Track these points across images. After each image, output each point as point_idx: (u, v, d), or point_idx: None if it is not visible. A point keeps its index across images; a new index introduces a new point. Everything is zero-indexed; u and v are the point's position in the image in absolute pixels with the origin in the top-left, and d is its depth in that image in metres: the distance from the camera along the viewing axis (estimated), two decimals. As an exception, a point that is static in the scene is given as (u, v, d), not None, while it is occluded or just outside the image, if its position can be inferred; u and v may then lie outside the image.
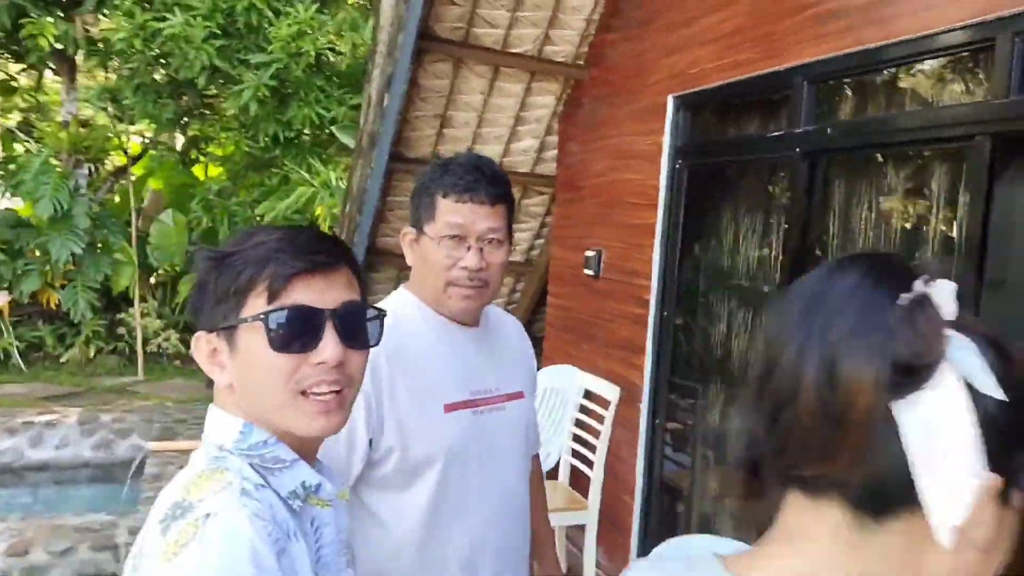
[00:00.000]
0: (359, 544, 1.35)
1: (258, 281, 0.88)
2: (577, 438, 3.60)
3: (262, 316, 0.87)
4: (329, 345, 0.88)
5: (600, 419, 3.41)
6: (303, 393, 0.89)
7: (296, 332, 0.88)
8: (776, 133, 2.71)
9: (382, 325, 0.97)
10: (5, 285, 8.17)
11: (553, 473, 3.71)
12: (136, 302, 8.29)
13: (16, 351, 8.15)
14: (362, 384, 1.11)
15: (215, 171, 9.78)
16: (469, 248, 1.41)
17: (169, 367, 8.54)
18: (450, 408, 1.42)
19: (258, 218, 7.64)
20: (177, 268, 8.69)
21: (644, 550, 3.36)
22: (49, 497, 5.86)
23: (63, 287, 8.28)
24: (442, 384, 1.44)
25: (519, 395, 1.56)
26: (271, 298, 0.88)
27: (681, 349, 3.25)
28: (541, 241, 4.69)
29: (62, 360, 8.38)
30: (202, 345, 0.93)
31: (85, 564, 4.00)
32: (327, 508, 0.95)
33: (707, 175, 3.19)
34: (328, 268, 0.91)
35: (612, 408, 3.30)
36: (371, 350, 1.07)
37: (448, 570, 1.42)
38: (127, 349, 8.49)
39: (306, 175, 6.93)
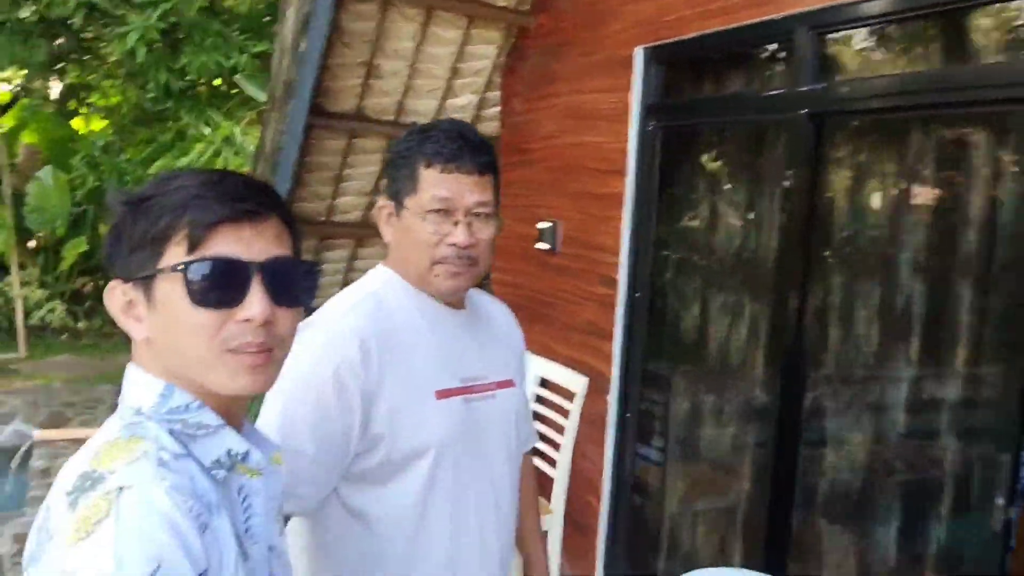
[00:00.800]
0: (334, 545, 1.31)
1: (177, 228, 0.82)
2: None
3: (181, 267, 0.81)
4: (255, 301, 0.83)
5: (561, 411, 3.07)
6: (226, 350, 0.83)
7: (219, 285, 0.82)
8: (775, 91, 2.36)
9: (316, 281, 0.91)
10: None
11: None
12: (14, 270, 7.45)
13: None
14: (354, 368, 1.23)
15: (99, 124, 8.86)
16: (457, 223, 1.30)
17: (55, 342, 7.75)
18: (442, 395, 1.33)
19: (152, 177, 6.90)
20: (60, 232, 7.82)
21: (611, 556, 3.07)
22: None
23: (-75, 254, 7.36)
24: (432, 370, 1.34)
25: (509, 383, 1.47)
26: (192, 247, 0.82)
27: (654, 334, 2.93)
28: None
29: (-72, 336, 7.49)
30: (117, 296, 0.86)
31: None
32: (257, 477, 0.89)
33: (685, 138, 2.83)
34: (256, 217, 0.84)
35: (579, 400, 2.96)
36: (359, 334, 1.20)
37: (435, 567, 1.34)
38: (6, 322, 7.65)
39: (205, 129, 6.25)
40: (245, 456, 0.88)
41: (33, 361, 7.25)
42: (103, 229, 8.60)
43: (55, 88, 8.86)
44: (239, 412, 0.91)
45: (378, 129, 3.85)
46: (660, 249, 2.89)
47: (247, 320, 0.83)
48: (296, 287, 0.88)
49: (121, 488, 0.73)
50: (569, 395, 3.06)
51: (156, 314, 0.84)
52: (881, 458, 2.21)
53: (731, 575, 1.82)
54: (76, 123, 8.80)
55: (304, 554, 1.35)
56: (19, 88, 8.83)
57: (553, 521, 3.01)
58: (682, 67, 2.83)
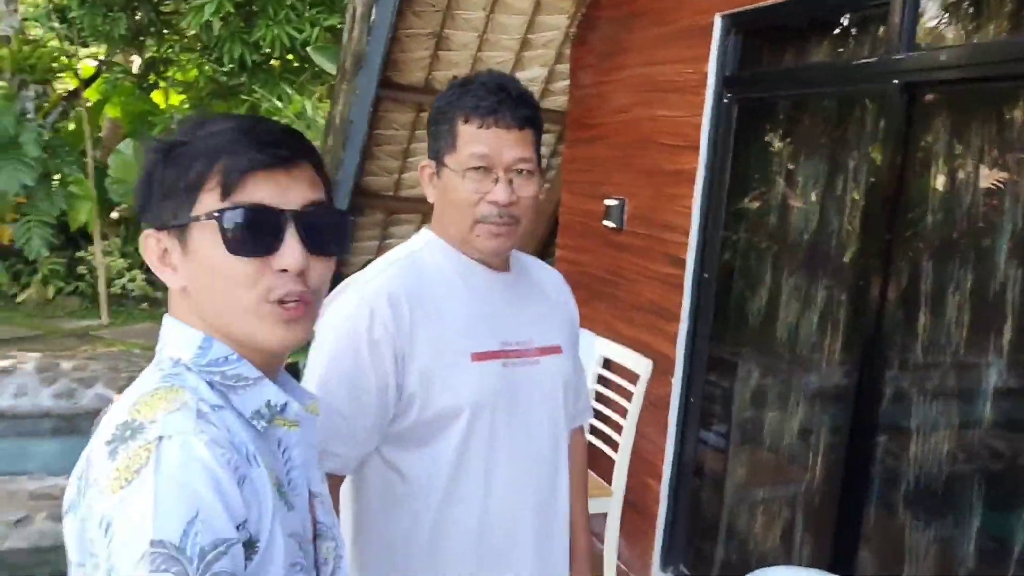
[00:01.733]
0: (380, 502, 1.30)
1: (211, 175, 0.80)
2: (596, 413, 3.19)
3: (216, 214, 0.80)
4: (292, 250, 0.81)
5: (624, 393, 3.00)
6: (263, 300, 0.82)
7: (254, 233, 0.80)
8: (863, 61, 2.22)
9: (348, 231, 0.92)
10: (-48, 219, 7.61)
11: (587, 450, 3.33)
12: (97, 239, 7.73)
13: (-33, 291, 7.64)
14: (386, 325, 1.22)
15: (177, 98, 9.10)
16: (497, 180, 1.26)
17: (136, 310, 8.05)
18: (478, 357, 1.29)
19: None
20: (140, 202, 8.11)
21: (671, 540, 3.01)
22: (8, 451, 5.50)
23: (15, 222, 7.69)
24: (470, 332, 1.30)
25: (555, 349, 1.41)
26: (225, 194, 0.80)
27: (721, 316, 2.82)
28: (547, 186, 4.20)
29: (18, 300, 7.87)
30: (151, 244, 0.85)
31: (43, 535, 3.66)
32: (294, 429, 0.89)
33: (763, 112, 2.70)
34: (290, 163, 0.83)
35: (643, 383, 2.88)
36: (391, 293, 1.22)
37: (465, 529, 1.31)
38: (89, 290, 7.97)
39: (278, 103, 6.34)
40: (283, 407, 0.87)
41: (114, 328, 7.53)
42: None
43: (136, 63, 9.14)
44: (276, 364, 0.90)
45: (446, 102, 3.83)
46: (731, 228, 2.78)
47: (284, 270, 0.81)
48: (330, 236, 0.86)
49: (161, 437, 0.73)
50: (633, 377, 2.98)
51: (191, 263, 0.83)
52: (962, 449, 2.08)
53: (797, 574, 1.73)
54: (156, 96, 9.05)
55: (348, 510, 1.35)
56: (102, 63, 9.14)
57: (612, 503, 2.95)
58: (762, 36, 2.69)
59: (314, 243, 0.83)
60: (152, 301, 8.05)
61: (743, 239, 2.77)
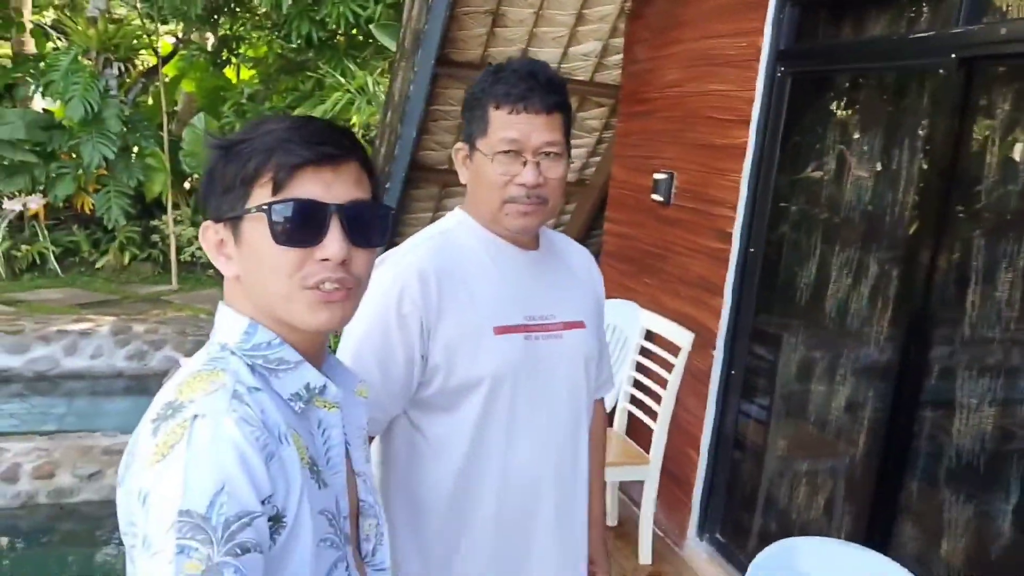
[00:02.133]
0: (406, 461, 1.37)
1: (264, 171, 0.86)
2: (637, 383, 3.24)
3: (265, 207, 0.85)
4: (334, 241, 0.86)
5: (665, 365, 3.04)
6: (306, 286, 0.87)
7: (300, 225, 0.86)
8: (921, 34, 2.20)
9: (389, 224, 0.95)
10: (40, 188, 8.01)
11: (608, 420, 3.38)
12: (169, 209, 8.06)
13: (52, 256, 8.05)
14: (414, 300, 1.28)
15: (247, 74, 9.38)
16: (525, 163, 1.31)
17: (203, 277, 8.38)
18: (500, 331, 1.35)
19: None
20: (211, 175, 8.41)
21: (708, 509, 3.04)
22: (83, 409, 5.82)
23: (96, 192, 8.09)
24: (494, 305, 1.36)
25: (579, 324, 1.46)
26: (276, 189, 0.86)
27: (766, 291, 2.83)
28: (598, 159, 4.22)
29: (97, 266, 8.28)
30: (209, 235, 0.92)
31: (114, 489, 3.86)
32: (333, 410, 0.94)
33: (816, 86, 2.68)
34: (337, 160, 0.88)
35: (683, 356, 2.92)
36: (421, 269, 1.27)
37: (487, 492, 1.38)
38: (161, 257, 8.34)
39: (341, 79, 6.49)
40: (323, 389, 0.92)
41: (183, 294, 7.84)
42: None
43: (210, 40, 9.46)
44: (320, 348, 0.95)
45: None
46: (779, 203, 2.77)
47: (325, 259, 0.87)
48: (372, 229, 0.91)
49: (195, 416, 0.78)
50: (674, 349, 3.02)
51: (243, 252, 0.88)
52: (1006, 426, 2.06)
53: (824, 545, 1.75)
54: (228, 72, 9.36)
55: (376, 468, 1.42)
56: (179, 41, 9.48)
57: (650, 472, 3.00)
58: (817, 9, 2.67)
59: (356, 235, 0.88)
60: (218, 269, 8.39)
61: (792, 214, 2.77)
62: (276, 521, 0.80)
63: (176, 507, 0.73)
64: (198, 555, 0.71)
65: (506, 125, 1.30)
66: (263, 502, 0.77)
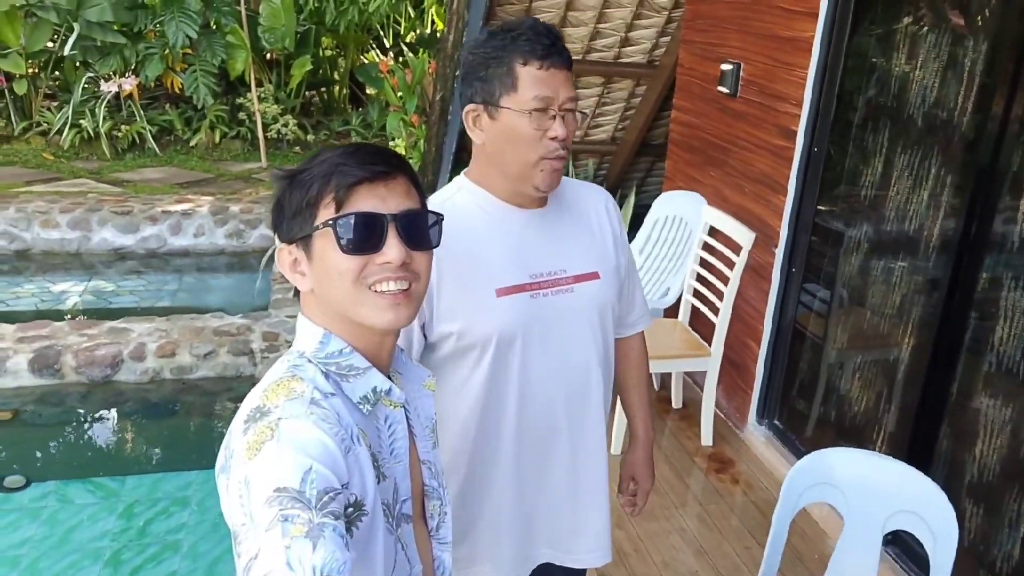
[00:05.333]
0: (441, 420, 1.41)
1: (326, 192, 0.96)
2: (699, 278, 3.33)
3: (331, 223, 0.95)
4: (392, 246, 0.96)
5: (727, 262, 3.11)
6: (371, 289, 0.97)
7: (362, 236, 0.95)
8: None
9: (441, 229, 1.05)
10: (131, 69, 8.28)
11: (672, 311, 3.51)
12: (252, 86, 8.23)
13: (150, 135, 8.43)
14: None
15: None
16: (554, 117, 1.34)
17: (290, 153, 8.62)
18: (503, 292, 1.39)
19: (361, 2, 7.18)
20: (290, 47, 8.44)
21: (767, 396, 3.20)
22: (193, 285, 6.25)
23: (183, 71, 8.31)
24: (494, 269, 1.40)
25: (592, 275, 1.48)
26: (338, 206, 0.96)
27: (829, 189, 2.81)
28: (667, 40, 4.08)
29: (191, 144, 8.63)
30: (284, 256, 1.01)
31: (227, 367, 4.28)
32: (398, 409, 1.05)
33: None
34: (388, 176, 0.98)
35: (744, 254, 2.98)
36: None
37: (507, 437, 1.45)
38: (249, 134, 8.59)
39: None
40: (388, 392, 1.03)
41: (272, 170, 8.13)
42: (325, 45, 9.18)
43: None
44: (387, 351, 1.05)
45: None
46: (844, 102, 2.70)
47: (386, 262, 0.97)
48: (425, 232, 1.02)
49: (280, 419, 0.90)
50: (736, 247, 3.07)
51: (315, 266, 0.98)
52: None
53: (850, 455, 1.86)
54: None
55: None
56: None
57: (711, 363, 3.16)
58: None
59: (412, 239, 0.99)
60: (303, 144, 8.59)
61: (857, 113, 2.70)
62: (357, 508, 0.93)
63: (272, 486, 0.83)
64: (300, 519, 0.80)
65: (538, 81, 1.32)
66: (343, 486, 0.89)
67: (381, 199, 0.97)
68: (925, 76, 2.41)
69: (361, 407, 1.00)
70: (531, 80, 1.33)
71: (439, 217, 1.04)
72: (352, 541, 0.90)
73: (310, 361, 1.00)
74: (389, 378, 1.05)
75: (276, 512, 0.81)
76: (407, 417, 1.09)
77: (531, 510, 1.52)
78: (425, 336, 1.42)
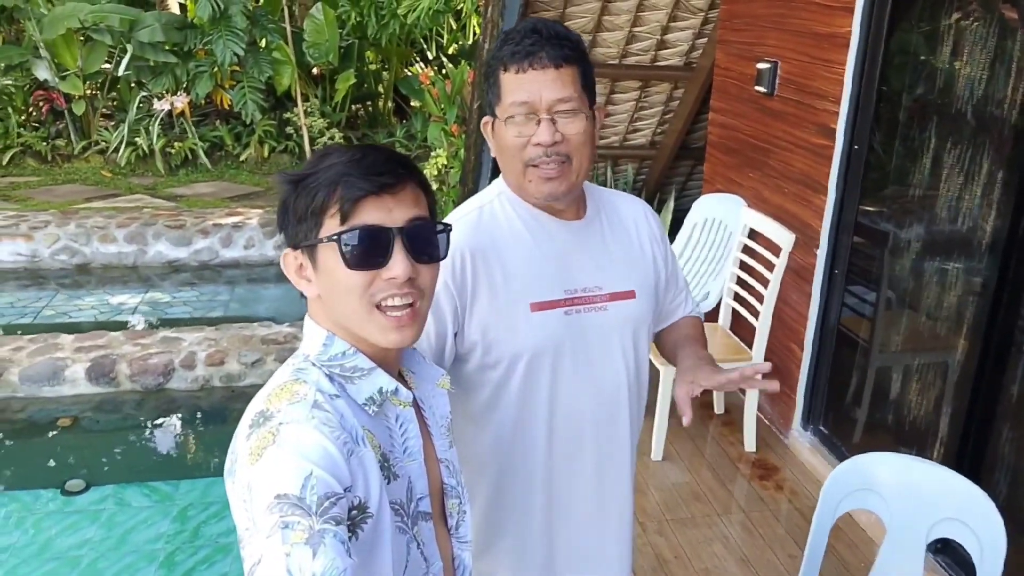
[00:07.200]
0: (457, 438, 1.33)
1: (330, 203, 0.94)
2: (739, 281, 3.28)
3: (335, 237, 0.94)
4: (398, 261, 0.95)
5: (767, 264, 3.06)
6: (378, 307, 0.96)
7: (367, 251, 0.94)
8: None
9: (448, 239, 1.02)
10: (183, 87, 8.54)
11: (712, 315, 3.47)
12: (299, 101, 8.41)
13: (201, 151, 8.67)
14: (444, 281, 1.28)
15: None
16: (540, 122, 1.26)
17: (337, 166, 8.77)
18: (537, 307, 1.33)
19: (401, 16, 7.28)
20: (334, 61, 8.61)
21: (812, 401, 3.13)
22: (244, 295, 6.40)
23: (232, 88, 8.53)
24: (530, 282, 1.33)
25: (628, 295, 1.41)
26: (343, 219, 0.94)
27: (871, 188, 2.75)
28: (704, 41, 4.04)
29: (241, 159, 8.85)
30: (290, 261, 1.01)
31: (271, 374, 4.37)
32: (407, 408, 1.03)
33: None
34: (394, 187, 0.95)
35: (784, 256, 2.92)
36: (454, 245, 1.18)
37: (534, 463, 1.40)
38: (296, 148, 8.78)
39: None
40: (395, 391, 1.01)
41: (319, 182, 8.27)
42: (370, 59, 9.32)
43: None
44: (394, 354, 1.04)
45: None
46: (884, 98, 2.63)
47: (392, 278, 0.95)
48: (432, 245, 0.99)
49: (281, 424, 0.90)
50: (776, 249, 3.02)
51: (320, 276, 0.97)
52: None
53: (889, 459, 1.80)
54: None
55: None
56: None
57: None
58: None
59: (418, 252, 0.97)
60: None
61: (898, 110, 2.63)
62: (361, 511, 0.91)
63: (273, 492, 0.83)
64: (300, 526, 0.81)
65: (515, 85, 1.26)
66: (345, 490, 0.88)
67: (387, 211, 0.95)
68: (972, 70, 2.34)
69: (367, 408, 0.99)
70: (511, 86, 1.27)
71: (447, 227, 1.02)
72: (357, 544, 0.90)
73: (314, 364, 0.99)
74: (401, 376, 1.04)
75: (277, 519, 0.81)
76: (423, 416, 1.08)
77: (555, 533, 1.48)
78: (456, 347, 1.37)
